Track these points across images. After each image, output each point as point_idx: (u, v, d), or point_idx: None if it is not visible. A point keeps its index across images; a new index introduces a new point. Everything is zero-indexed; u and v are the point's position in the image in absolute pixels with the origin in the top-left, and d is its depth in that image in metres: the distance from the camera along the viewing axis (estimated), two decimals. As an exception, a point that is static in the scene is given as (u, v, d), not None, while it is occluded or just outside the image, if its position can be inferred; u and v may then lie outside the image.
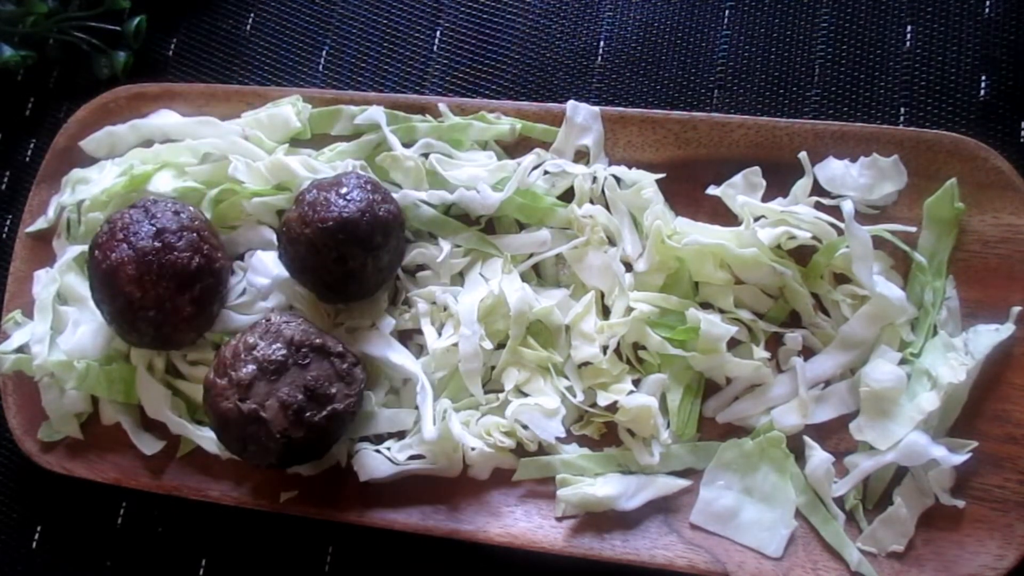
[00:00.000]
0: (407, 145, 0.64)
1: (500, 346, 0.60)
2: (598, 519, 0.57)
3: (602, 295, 0.61)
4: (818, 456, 0.56)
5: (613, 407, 0.58)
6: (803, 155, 0.60)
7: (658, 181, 0.62)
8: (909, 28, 0.67)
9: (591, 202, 0.62)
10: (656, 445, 0.58)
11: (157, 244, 0.58)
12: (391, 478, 0.59)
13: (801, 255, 0.60)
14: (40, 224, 0.68)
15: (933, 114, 0.65)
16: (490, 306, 0.60)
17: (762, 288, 0.60)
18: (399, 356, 0.60)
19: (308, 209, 0.57)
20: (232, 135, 0.66)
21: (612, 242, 0.62)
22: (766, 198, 0.61)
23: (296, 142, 0.67)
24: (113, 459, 0.63)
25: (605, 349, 0.59)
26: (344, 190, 0.58)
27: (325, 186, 0.58)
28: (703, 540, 0.56)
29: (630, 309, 0.59)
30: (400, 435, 0.60)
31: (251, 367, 0.54)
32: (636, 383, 0.59)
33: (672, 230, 0.60)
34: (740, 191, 0.61)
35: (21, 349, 0.63)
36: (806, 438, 0.57)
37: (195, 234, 0.59)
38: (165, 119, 0.68)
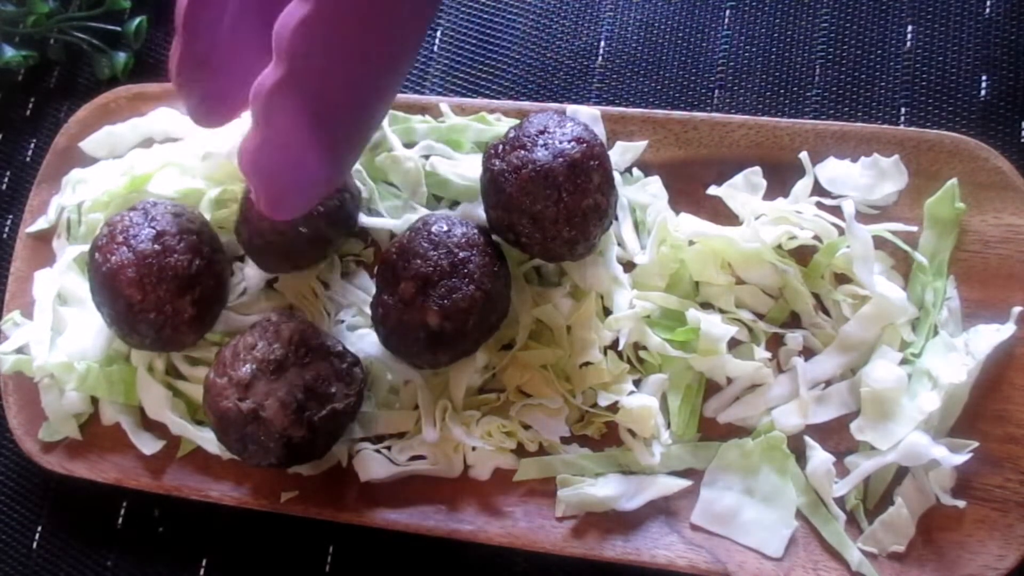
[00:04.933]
0: (405, 147, 0.64)
1: (503, 347, 0.60)
2: (599, 519, 0.57)
3: (601, 297, 0.61)
4: (819, 456, 0.56)
5: (614, 407, 0.58)
6: (804, 155, 0.60)
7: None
8: (910, 28, 0.67)
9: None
10: (657, 445, 0.58)
11: (157, 247, 0.58)
12: (392, 478, 0.59)
13: (801, 255, 0.60)
14: (40, 224, 0.68)
15: (934, 114, 0.65)
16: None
17: (763, 288, 0.60)
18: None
19: None
20: (233, 135, 0.66)
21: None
22: (767, 198, 0.61)
23: (296, 142, 0.67)
24: (113, 459, 0.63)
25: (606, 350, 0.59)
26: None
27: None
28: (704, 540, 0.56)
29: (631, 306, 0.59)
30: (401, 435, 0.60)
31: (250, 366, 0.54)
32: (637, 383, 0.59)
33: (675, 227, 0.60)
34: (741, 191, 0.61)
35: (21, 350, 0.63)
36: (807, 438, 0.57)
37: (195, 236, 0.59)
38: (165, 119, 0.68)
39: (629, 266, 0.61)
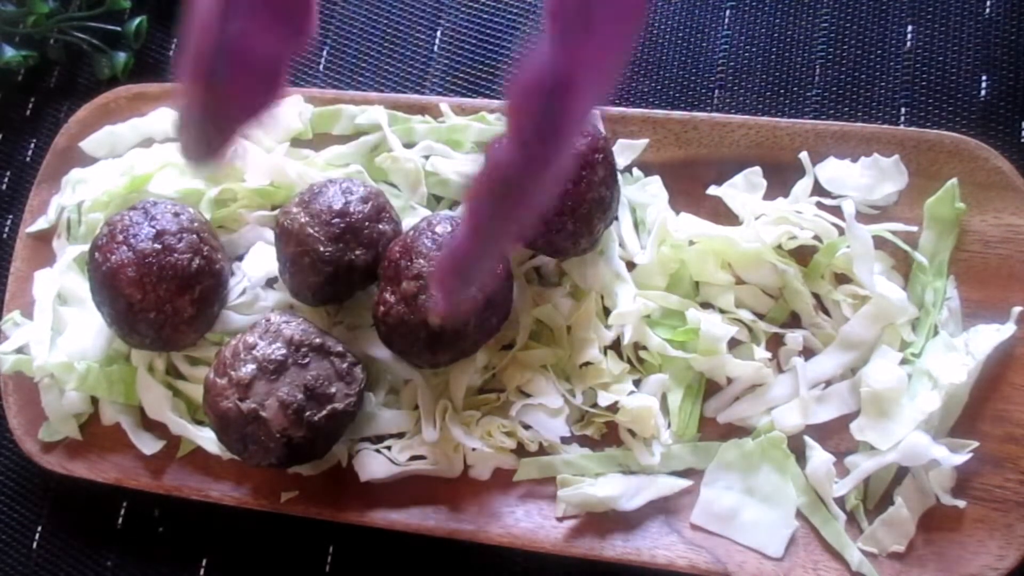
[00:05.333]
0: (405, 147, 0.64)
1: (503, 347, 0.60)
2: (599, 519, 0.57)
3: (601, 297, 0.61)
4: (819, 456, 0.56)
5: (614, 407, 0.58)
6: (804, 155, 0.60)
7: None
8: (910, 28, 0.67)
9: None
10: (657, 445, 0.58)
11: (157, 246, 0.58)
12: (392, 478, 0.59)
13: (801, 255, 0.60)
14: (41, 224, 0.68)
15: (934, 114, 0.65)
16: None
17: (763, 288, 0.60)
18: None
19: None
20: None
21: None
22: (767, 198, 0.61)
23: (297, 142, 0.67)
24: (113, 459, 0.63)
25: (606, 350, 0.59)
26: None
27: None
28: (704, 540, 0.56)
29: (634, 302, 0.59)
30: (401, 435, 0.60)
31: (251, 367, 0.54)
32: (637, 383, 0.59)
33: (675, 227, 0.60)
34: (741, 191, 0.61)
35: (21, 350, 0.63)
36: (807, 438, 0.57)
37: (195, 235, 0.59)
38: (165, 119, 0.68)
39: (629, 266, 0.61)
